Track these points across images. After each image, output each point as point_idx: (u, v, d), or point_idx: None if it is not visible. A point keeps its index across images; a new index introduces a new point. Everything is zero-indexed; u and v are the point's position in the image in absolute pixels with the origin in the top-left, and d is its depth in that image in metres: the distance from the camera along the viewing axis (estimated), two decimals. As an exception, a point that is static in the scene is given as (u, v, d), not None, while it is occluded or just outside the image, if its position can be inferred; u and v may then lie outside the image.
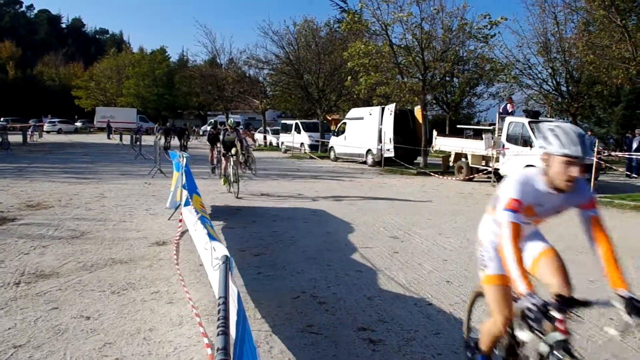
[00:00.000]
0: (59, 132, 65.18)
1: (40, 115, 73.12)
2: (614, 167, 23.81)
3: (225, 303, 2.79)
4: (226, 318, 2.66)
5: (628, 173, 22.67)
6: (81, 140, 50.66)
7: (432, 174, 23.20)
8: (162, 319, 5.61)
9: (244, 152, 20.24)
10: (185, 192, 8.79)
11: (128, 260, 7.88)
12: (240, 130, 21.46)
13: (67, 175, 19.11)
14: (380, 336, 5.32)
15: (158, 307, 5.97)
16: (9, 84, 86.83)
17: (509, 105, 22.68)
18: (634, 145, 24.50)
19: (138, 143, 30.90)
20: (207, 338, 4.74)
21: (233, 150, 15.72)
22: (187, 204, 8.44)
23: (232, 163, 15.21)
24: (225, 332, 2.53)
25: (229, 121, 15.97)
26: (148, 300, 6.19)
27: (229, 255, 3.39)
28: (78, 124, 74.28)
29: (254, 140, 25.32)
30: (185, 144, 29.73)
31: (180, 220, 9.82)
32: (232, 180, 15.16)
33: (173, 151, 12.84)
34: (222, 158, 15.86)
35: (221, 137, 15.90)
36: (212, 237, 5.15)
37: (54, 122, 67.71)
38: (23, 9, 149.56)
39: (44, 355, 4.72)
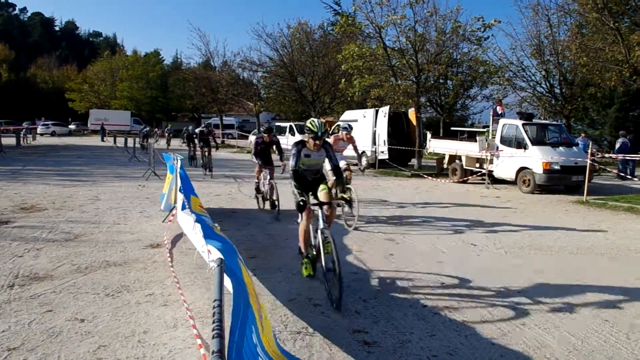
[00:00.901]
0: (53, 134, 65.10)
1: (34, 117, 73.05)
2: (608, 169, 23.86)
3: (220, 306, 2.79)
4: (221, 321, 2.66)
5: (622, 174, 22.82)
6: (75, 142, 50.57)
7: (426, 176, 23.21)
8: (157, 321, 5.60)
9: (344, 192, 10.10)
10: (180, 196, 8.76)
11: (122, 262, 7.86)
12: (343, 135, 12.73)
13: (60, 177, 19.06)
14: (375, 338, 5.32)
15: (152, 309, 5.96)
16: (3, 87, 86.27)
17: (498, 108, 22.78)
18: (616, 146, 24.77)
19: (146, 144, 30.64)
20: (201, 340, 4.74)
21: (322, 196, 7.70)
22: (183, 207, 8.42)
23: (321, 225, 6.96)
24: (220, 335, 2.53)
25: (309, 122, 7.42)
26: (142, 302, 6.18)
27: (223, 257, 3.38)
28: (72, 126, 74.26)
29: (359, 154, 13.87)
30: (208, 153, 22.52)
31: (170, 221, 9.82)
32: (324, 261, 6.68)
33: (168, 154, 12.72)
34: (302, 213, 7.34)
35: (291, 162, 7.59)
36: (209, 236, 5.10)
37: (48, 124, 67.57)
38: (16, 11, 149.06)
39: (38, 357, 4.71)
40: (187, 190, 8.54)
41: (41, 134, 61.09)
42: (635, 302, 6.61)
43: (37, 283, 6.76)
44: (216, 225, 5.84)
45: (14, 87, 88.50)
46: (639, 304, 6.57)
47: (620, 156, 22.16)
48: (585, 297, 6.76)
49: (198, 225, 5.65)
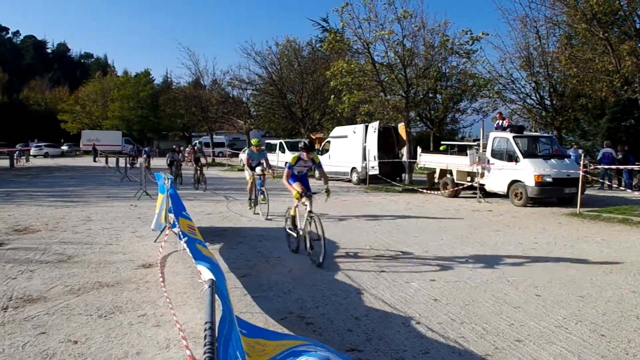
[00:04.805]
0: (46, 156, 65.26)
1: (27, 139, 73.24)
2: (601, 180, 23.95)
3: (212, 328, 2.81)
4: (212, 343, 2.67)
5: (609, 184, 23.05)
6: (67, 163, 50.48)
7: (417, 190, 23.20)
8: (150, 342, 5.60)
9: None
10: (171, 216, 8.77)
11: (115, 283, 7.85)
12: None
13: (53, 198, 19.04)
14: (368, 356, 5.31)
15: (145, 330, 5.95)
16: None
17: (504, 122, 22.69)
18: (598, 156, 25.07)
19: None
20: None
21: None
22: (173, 226, 8.42)
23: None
24: (212, 358, 2.55)
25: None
26: (135, 323, 6.17)
27: (214, 279, 3.40)
28: (64, 147, 74.34)
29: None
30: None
31: (165, 241, 9.82)
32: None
33: (159, 173, 12.75)
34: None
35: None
36: (198, 258, 5.12)
37: (41, 146, 67.90)
38: (9, 35, 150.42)
39: (31, 382, 4.70)
40: (177, 211, 8.55)
41: (34, 156, 61.25)
42: (632, 316, 6.61)
43: (30, 305, 6.75)
44: (206, 245, 5.85)
45: (7, 110, 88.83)
46: (635, 317, 6.58)
47: (604, 167, 22.42)
48: (581, 312, 6.76)
49: (187, 247, 5.67)
